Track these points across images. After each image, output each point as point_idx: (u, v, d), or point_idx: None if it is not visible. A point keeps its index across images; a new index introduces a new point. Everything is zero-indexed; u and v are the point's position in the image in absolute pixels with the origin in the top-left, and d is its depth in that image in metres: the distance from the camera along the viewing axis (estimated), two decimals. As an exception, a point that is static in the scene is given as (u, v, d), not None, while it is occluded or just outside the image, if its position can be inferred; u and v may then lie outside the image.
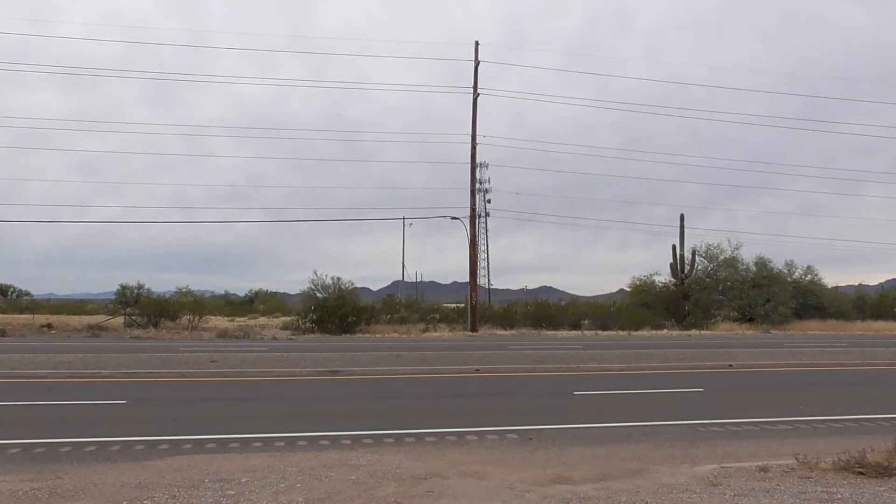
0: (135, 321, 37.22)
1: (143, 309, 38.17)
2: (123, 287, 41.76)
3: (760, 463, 6.73)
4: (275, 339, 31.22)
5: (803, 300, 47.20)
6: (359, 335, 35.01)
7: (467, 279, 40.83)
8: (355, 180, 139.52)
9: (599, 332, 39.19)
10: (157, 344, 26.35)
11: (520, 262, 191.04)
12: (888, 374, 17.10)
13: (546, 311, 42.81)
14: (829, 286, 52.02)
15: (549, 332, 37.56)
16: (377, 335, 34.77)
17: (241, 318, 51.84)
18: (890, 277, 74.14)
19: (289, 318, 43.30)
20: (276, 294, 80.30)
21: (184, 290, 41.99)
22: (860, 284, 66.52)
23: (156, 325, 36.21)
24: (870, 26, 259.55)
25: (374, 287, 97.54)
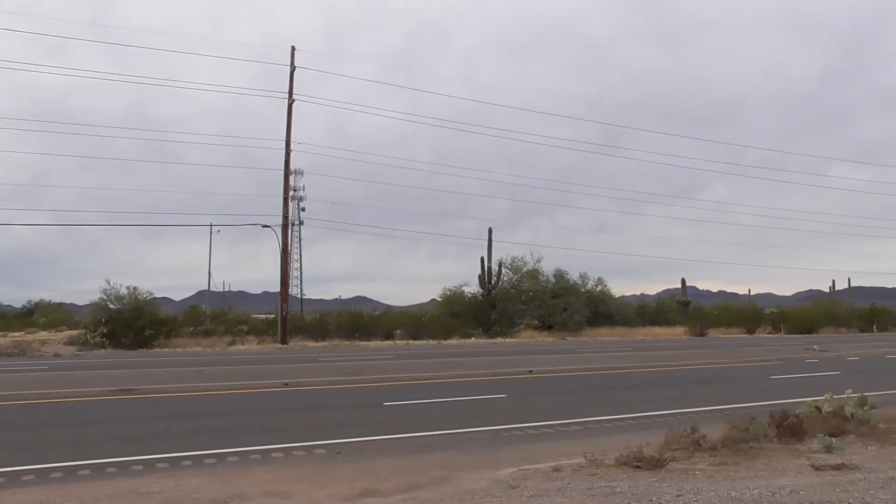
0: None
1: None
2: None
3: (554, 463, 7.16)
4: (57, 355, 28.09)
5: (595, 309, 51.70)
6: (157, 350, 32.61)
7: (278, 289, 39.69)
8: (159, 183, 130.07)
9: (411, 341, 39.89)
10: None
11: (334, 272, 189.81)
12: (665, 375, 19.14)
13: (359, 321, 42.79)
14: (617, 296, 57.67)
15: (362, 343, 37.56)
16: (178, 349, 32.61)
17: (17, 333, 46.10)
18: (666, 287, 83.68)
19: (76, 332, 39.29)
20: (61, 305, 72.47)
21: (-58, 300, 36.37)
22: (642, 294, 74.45)
23: None
24: (655, 63, 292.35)
25: (177, 297, 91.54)
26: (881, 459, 6.99)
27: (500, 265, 49.91)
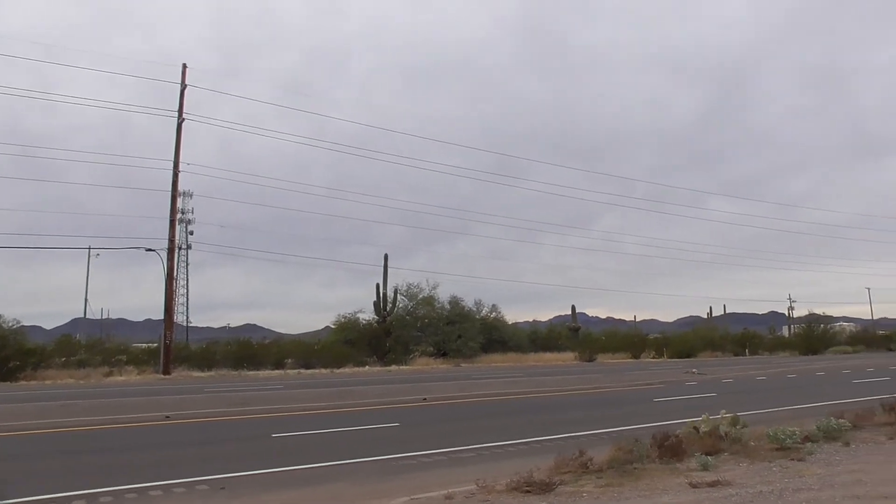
0: None
1: None
2: None
3: (446, 491, 7.10)
4: None
5: (489, 335, 52.56)
6: (23, 383, 30.14)
7: (162, 316, 37.74)
8: (30, 202, 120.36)
9: (303, 370, 38.92)
10: None
11: (224, 299, 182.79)
12: (555, 400, 19.58)
13: (248, 350, 41.43)
14: (510, 322, 58.95)
15: (251, 373, 36.34)
16: (48, 382, 30.29)
17: None
18: (557, 314, 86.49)
19: (-74, 365, 35.60)
20: None
21: None
22: (534, 320, 76.46)
23: None
24: (548, 97, 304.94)
25: (49, 326, 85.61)
26: (751, 475, 7.41)
27: (395, 292, 49.91)
